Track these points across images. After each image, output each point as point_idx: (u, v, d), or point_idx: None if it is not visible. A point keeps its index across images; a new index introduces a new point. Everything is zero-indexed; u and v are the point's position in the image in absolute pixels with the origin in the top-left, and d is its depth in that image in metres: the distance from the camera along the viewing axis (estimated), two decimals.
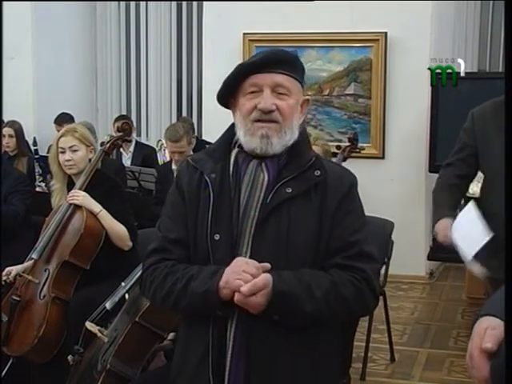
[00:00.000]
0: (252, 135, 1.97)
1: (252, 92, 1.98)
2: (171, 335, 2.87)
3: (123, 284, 3.08)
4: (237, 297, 1.85)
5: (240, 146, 2.04)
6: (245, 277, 1.84)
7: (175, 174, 2.78)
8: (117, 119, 6.57)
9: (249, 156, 2.01)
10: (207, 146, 5.45)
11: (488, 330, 1.38)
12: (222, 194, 1.97)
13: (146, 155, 6.40)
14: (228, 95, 2.05)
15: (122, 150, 6.22)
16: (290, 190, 1.94)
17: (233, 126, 2.08)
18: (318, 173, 1.98)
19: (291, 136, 2.00)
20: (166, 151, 6.07)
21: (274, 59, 1.99)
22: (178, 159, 4.88)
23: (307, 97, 2.12)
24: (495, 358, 1.34)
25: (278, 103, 1.96)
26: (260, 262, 1.90)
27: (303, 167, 1.98)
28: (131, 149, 6.50)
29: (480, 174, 4.35)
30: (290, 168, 1.98)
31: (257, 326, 1.90)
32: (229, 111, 2.11)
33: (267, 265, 1.88)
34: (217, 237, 1.93)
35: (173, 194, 2.09)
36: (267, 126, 1.96)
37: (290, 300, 1.86)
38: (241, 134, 2.00)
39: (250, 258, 1.92)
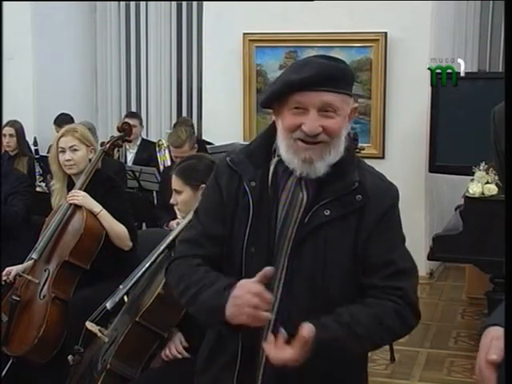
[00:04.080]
0: (294, 154, 1.86)
1: (297, 108, 1.84)
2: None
3: (121, 287, 3.07)
4: (273, 356, 1.75)
5: (280, 155, 1.94)
6: (251, 312, 1.74)
7: None
8: (126, 116, 6.74)
9: (288, 168, 1.90)
10: (207, 146, 5.49)
11: (493, 341, 1.38)
12: (261, 205, 1.90)
13: (151, 152, 6.42)
14: (272, 101, 1.92)
15: (127, 146, 6.26)
16: (328, 213, 1.86)
17: (272, 125, 1.98)
18: (359, 198, 1.87)
19: (336, 155, 1.87)
20: (166, 151, 6.08)
21: (324, 75, 1.82)
22: None
23: (355, 104, 1.97)
24: (500, 369, 1.34)
25: (325, 124, 1.83)
26: (296, 282, 1.86)
27: (345, 190, 1.87)
28: (137, 143, 6.58)
29: (480, 174, 4.37)
30: (331, 189, 1.87)
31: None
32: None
33: (270, 270, 1.77)
34: (252, 249, 1.88)
35: (211, 190, 2.00)
36: (311, 149, 1.84)
37: (333, 346, 1.79)
38: (282, 147, 1.89)
39: (285, 277, 1.87)
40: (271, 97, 1.90)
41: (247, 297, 1.76)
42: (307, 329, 1.72)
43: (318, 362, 1.84)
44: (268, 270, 1.78)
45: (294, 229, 1.88)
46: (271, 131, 1.97)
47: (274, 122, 1.98)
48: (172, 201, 2.96)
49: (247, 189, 1.90)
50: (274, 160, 1.94)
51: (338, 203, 1.87)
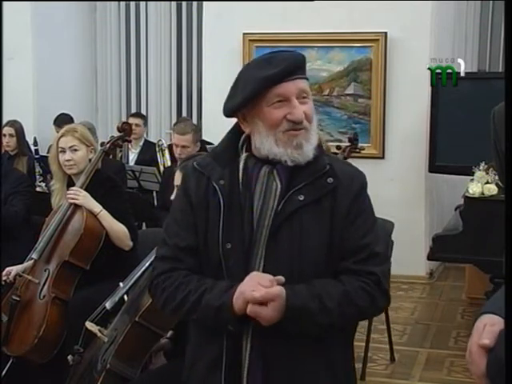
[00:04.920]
0: (285, 146, 1.91)
1: (278, 101, 1.91)
2: (169, 333, 2.87)
3: (121, 285, 3.07)
4: (249, 308, 1.81)
5: (247, 150, 1.99)
6: (259, 289, 1.81)
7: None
8: (132, 115, 6.81)
9: (259, 161, 1.96)
10: (207, 145, 5.49)
11: (487, 327, 1.39)
12: (233, 201, 1.93)
13: (152, 154, 6.43)
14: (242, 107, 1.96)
15: (130, 146, 6.27)
16: (302, 198, 1.90)
17: (235, 127, 2.03)
18: (330, 180, 1.93)
19: (315, 138, 1.97)
20: (166, 152, 6.08)
21: (294, 65, 1.92)
22: (180, 153, 4.82)
23: None
24: (490, 354, 1.35)
25: (304, 109, 1.92)
26: (274, 270, 1.88)
27: (316, 174, 1.94)
28: (140, 143, 6.58)
29: (480, 174, 4.37)
30: (303, 174, 1.93)
31: (272, 336, 1.86)
32: None
33: (281, 278, 1.84)
34: (228, 245, 1.90)
35: (180, 199, 2.03)
36: (299, 134, 1.92)
37: (303, 314, 1.84)
38: (268, 145, 1.93)
39: (264, 266, 1.90)
40: (249, 98, 1.91)
41: (260, 275, 1.85)
42: (277, 288, 1.82)
43: (303, 361, 1.89)
44: (280, 278, 1.85)
45: (270, 218, 1.92)
46: (236, 131, 2.03)
47: (236, 123, 2.02)
48: (173, 197, 2.95)
49: (217, 187, 1.94)
50: (243, 156, 1.99)
51: (312, 187, 1.93)
